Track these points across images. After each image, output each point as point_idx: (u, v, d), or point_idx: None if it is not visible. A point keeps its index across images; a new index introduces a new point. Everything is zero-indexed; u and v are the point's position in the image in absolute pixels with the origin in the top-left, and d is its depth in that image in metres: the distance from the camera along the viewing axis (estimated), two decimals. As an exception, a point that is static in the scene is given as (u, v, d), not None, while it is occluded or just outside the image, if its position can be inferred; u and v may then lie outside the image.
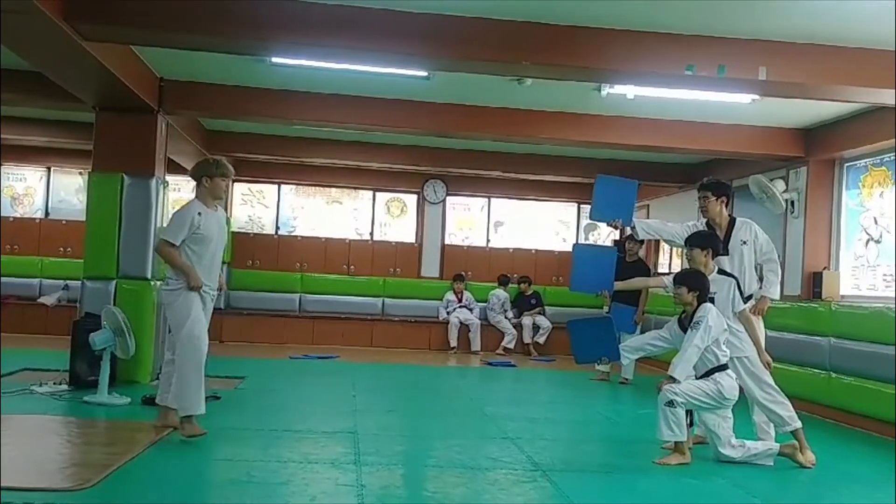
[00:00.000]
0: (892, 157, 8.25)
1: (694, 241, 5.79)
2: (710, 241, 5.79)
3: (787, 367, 8.25)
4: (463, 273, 13.58)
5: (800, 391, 8.09)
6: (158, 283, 8.17)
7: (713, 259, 5.75)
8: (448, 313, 13.30)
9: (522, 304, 13.49)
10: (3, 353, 8.74)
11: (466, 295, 13.45)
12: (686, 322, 5.55)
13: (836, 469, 5.81)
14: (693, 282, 5.56)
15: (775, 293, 6.02)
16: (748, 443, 5.63)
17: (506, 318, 13.30)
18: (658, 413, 5.43)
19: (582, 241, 14.29)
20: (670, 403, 5.36)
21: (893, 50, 6.04)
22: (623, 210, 5.99)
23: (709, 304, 5.50)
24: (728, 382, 5.48)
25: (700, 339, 5.37)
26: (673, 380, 5.39)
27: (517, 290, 13.61)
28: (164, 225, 5.77)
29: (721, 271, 5.76)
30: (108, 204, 7.96)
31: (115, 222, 7.96)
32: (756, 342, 5.71)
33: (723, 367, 5.50)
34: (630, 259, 9.86)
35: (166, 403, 5.60)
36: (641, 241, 9.70)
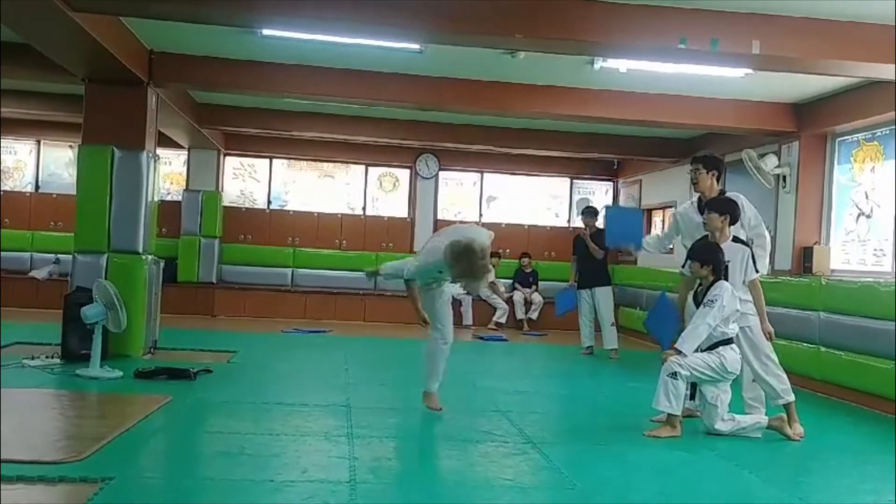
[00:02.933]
0: (884, 132, 8.26)
1: (712, 206, 5.80)
2: (729, 206, 5.80)
3: (778, 342, 8.28)
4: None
5: (790, 365, 8.11)
6: (149, 256, 8.18)
7: (730, 226, 5.77)
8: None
9: (521, 279, 13.53)
10: (-5, 327, 8.75)
11: None
12: (700, 297, 5.57)
13: (824, 442, 5.86)
14: (706, 256, 5.57)
15: (763, 268, 6.05)
16: (738, 416, 5.68)
17: (494, 292, 13.32)
18: (659, 383, 5.47)
19: (575, 216, 14.38)
20: (673, 375, 5.40)
21: (887, 24, 6.02)
22: (633, 236, 6.74)
23: (725, 283, 5.50)
24: (731, 356, 5.51)
25: (713, 318, 5.40)
26: (679, 353, 5.43)
27: (518, 264, 13.64)
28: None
29: (736, 239, 5.78)
30: (99, 177, 7.91)
31: (105, 196, 7.92)
32: (761, 312, 5.74)
33: (728, 341, 5.53)
34: (591, 232, 10.21)
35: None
36: (593, 213, 10.21)
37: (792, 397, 5.78)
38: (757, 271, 5.79)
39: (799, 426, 5.71)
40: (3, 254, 12.33)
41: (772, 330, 5.77)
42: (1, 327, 7.51)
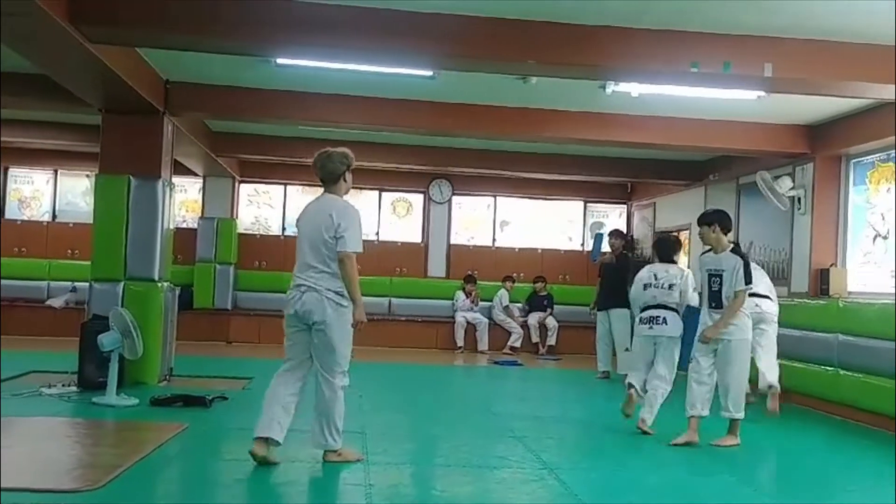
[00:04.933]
0: (899, 153, 8.22)
1: (701, 219, 6.10)
2: (716, 216, 6.06)
3: (795, 364, 8.24)
4: (473, 274, 13.54)
5: (807, 387, 8.09)
6: (165, 284, 8.21)
7: (725, 235, 5.97)
8: (454, 311, 13.32)
9: (535, 303, 13.51)
10: (12, 356, 8.80)
11: (474, 296, 13.41)
12: None
13: (842, 465, 5.80)
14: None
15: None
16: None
17: (508, 316, 13.30)
18: None
19: (588, 239, 14.38)
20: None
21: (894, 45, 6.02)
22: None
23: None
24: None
25: None
26: None
27: (532, 288, 13.62)
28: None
29: (734, 250, 5.95)
30: (115, 206, 7.97)
31: (122, 224, 7.97)
32: (722, 320, 5.81)
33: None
34: (613, 256, 10.39)
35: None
36: (622, 236, 10.53)
37: (741, 416, 5.92)
38: (748, 283, 5.84)
39: (735, 439, 5.93)
40: (21, 283, 12.47)
41: (711, 337, 5.84)
42: (0, 355, 7.54)
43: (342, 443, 4.98)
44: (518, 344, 13.15)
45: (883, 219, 8.45)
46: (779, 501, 4.71)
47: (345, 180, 5.04)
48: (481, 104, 8.79)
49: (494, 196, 14.48)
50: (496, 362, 11.79)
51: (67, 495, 4.00)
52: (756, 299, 6.88)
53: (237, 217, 13.68)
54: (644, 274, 6.62)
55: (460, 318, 13.18)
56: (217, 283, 13.16)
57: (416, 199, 14.44)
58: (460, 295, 13.40)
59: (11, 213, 13.59)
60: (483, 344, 13.12)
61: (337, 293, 4.81)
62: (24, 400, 6.72)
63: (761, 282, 7.22)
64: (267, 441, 4.81)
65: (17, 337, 11.47)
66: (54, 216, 13.75)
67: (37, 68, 6.93)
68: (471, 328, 13.26)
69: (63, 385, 7.29)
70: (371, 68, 7.21)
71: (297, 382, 4.99)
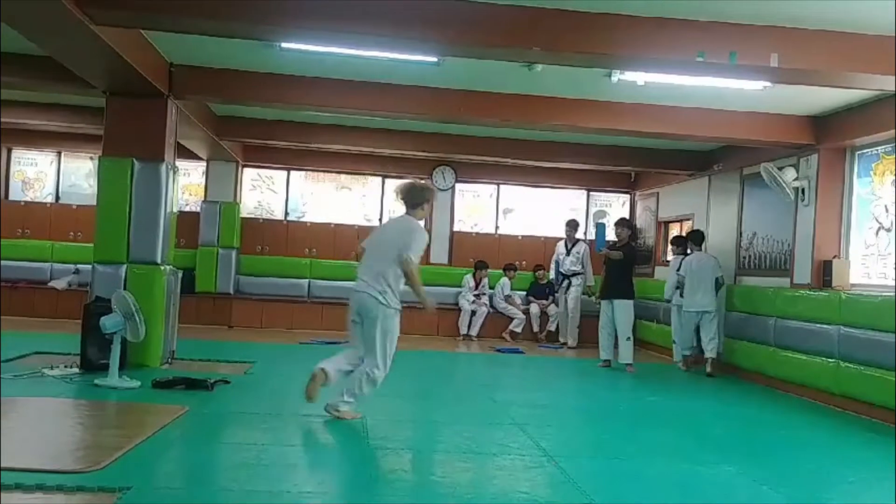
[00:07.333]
0: (905, 145, 8.19)
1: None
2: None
3: (796, 355, 8.25)
4: (485, 261, 13.56)
5: (808, 379, 8.10)
6: (168, 267, 8.22)
7: None
8: (461, 297, 13.35)
9: (537, 291, 13.53)
10: (15, 337, 8.84)
11: (484, 283, 13.44)
12: None
13: (844, 457, 5.81)
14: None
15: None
16: None
17: (510, 304, 13.32)
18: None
19: (591, 228, 14.36)
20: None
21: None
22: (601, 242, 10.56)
23: None
24: None
25: None
26: None
27: (533, 277, 13.64)
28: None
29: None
30: (119, 188, 7.98)
31: (125, 207, 7.98)
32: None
33: None
34: (620, 244, 10.41)
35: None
36: (629, 226, 10.60)
37: None
38: None
39: None
40: (24, 264, 12.52)
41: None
42: (0, 337, 7.57)
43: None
44: (519, 329, 13.16)
45: (887, 211, 8.44)
46: (779, 493, 4.72)
47: (422, 209, 6.17)
48: (486, 91, 8.76)
49: (498, 184, 14.44)
50: (498, 350, 11.81)
51: (69, 476, 4.02)
52: None
53: (240, 201, 13.67)
54: None
55: (465, 304, 13.20)
56: (220, 267, 13.16)
57: (420, 186, 14.39)
58: (469, 280, 13.41)
59: (15, 194, 13.59)
60: (474, 329, 13.13)
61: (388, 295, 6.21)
62: (26, 381, 6.75)
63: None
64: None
65: (20, 318, 11.53)
66: (57, 198, 13.75)
67: (41, 50, 6.92)
68: (467, 312, 13.29)
69: (65, 366, 7.32)
70: (375, 54, 7.19)
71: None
